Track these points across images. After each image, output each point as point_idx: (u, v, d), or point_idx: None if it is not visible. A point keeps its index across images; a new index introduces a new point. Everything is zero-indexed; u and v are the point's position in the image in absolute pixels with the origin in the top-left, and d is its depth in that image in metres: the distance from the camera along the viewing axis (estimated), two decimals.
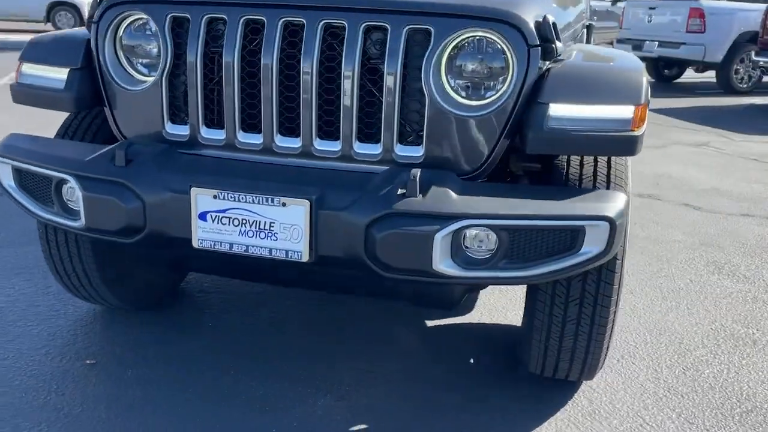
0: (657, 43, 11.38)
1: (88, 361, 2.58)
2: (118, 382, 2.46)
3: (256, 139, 2.17)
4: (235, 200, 1.97)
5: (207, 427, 2.24)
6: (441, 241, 1.86)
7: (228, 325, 2.90)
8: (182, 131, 2.24)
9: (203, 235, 2.02)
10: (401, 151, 2.09)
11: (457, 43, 2.03)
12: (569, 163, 2.21)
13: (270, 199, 1.94)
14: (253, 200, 1.95)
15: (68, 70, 2.29)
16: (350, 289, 2.37)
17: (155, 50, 2.23)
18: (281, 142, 2.16)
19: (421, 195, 1.91)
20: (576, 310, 2.17)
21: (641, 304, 3.27)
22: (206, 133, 2.22)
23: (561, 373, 2.40)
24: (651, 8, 11.63)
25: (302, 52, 2.06)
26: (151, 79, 2.22)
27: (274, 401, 2.39)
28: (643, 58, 12.33)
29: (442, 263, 1.89)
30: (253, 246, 1.99)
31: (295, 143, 2.15)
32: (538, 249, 1.90)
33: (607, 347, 2.30)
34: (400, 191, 1.92)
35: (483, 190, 1.96)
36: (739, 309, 3.27)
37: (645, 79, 2.04)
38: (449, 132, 2.05)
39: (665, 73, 12.61)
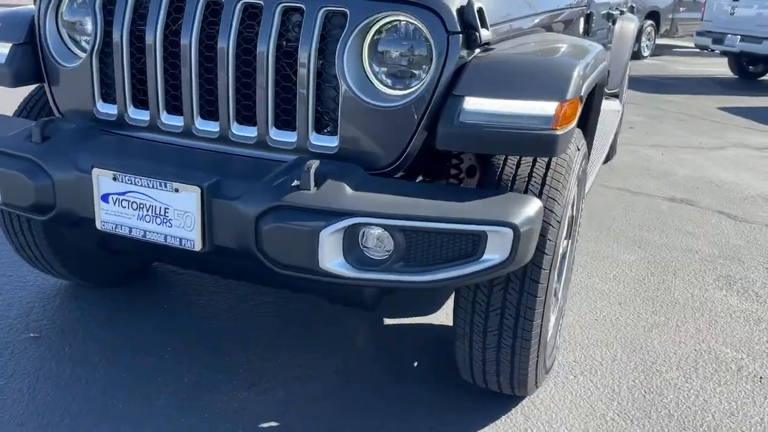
0: (739, 37, 10.64)
1: (32, 334, 2.61)
2: (54, 358, 2.48)
3: (178, 122, 2.12)
4: (131, 183, 1.91)
5: (121, 411, 2.22)
6: (328, 238, 1.74)
7: (183, 309, 2.88)
8: (112, 110, 2.21)
9: (105, 217, 1.98)
10: (316, 140, 1.99)
11: (379, 28, 1.91)
12: (506, 162, 2.05)
13: (163, 184, 1.88)
14: (147, 184, 1.90)
15: (10, 45, 2.30)
16: (257, 279, 2.28)
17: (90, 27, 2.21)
18: (201, 125, 2.10)
19: (315, 188, 1.80)
20: (497, 320, 2.01)
21: (626, 317, 3.03)
22: (133, 113, 2.19)
23: (492, 385, 2.24)
24: (735, 0, 10.89)
25: (219, 32, 1.99)
26: (83, 56, 2.20)
27: (196, 390, 2.34)
28: (724, 53, 11.56)
29: (331, 262, 1.77)
30: (149, 231, 1.93)
31: (213, 127, 2.08)
32: (436, 253, 1.75)
33: (536, 363, 2.13)
34: (294, 183, 1.81)
35: (385, 187, 1.82)
36: (736, 330, 2.97)
37: (576, 72, 1.84)
38: (363, 122, 1.93)
39: (749, 69, 11.79)
